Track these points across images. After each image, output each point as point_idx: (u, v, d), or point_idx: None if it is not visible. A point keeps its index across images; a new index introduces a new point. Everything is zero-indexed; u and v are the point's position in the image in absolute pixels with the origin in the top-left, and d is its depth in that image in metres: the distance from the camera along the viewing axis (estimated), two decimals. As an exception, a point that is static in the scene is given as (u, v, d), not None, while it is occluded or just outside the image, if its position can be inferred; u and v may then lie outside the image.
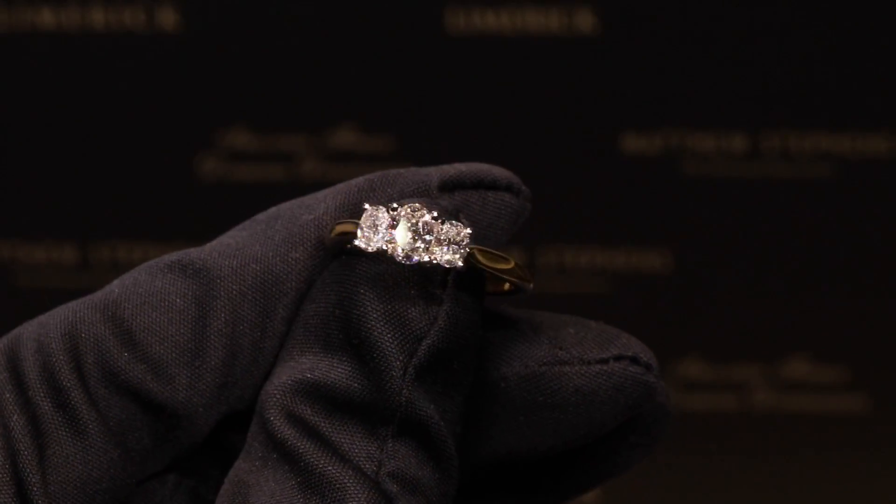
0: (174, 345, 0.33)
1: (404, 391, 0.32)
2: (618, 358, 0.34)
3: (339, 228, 0.34)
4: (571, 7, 0.93)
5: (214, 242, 0.34)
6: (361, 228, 0.33)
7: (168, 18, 0.94)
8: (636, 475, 0.98)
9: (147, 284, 0.34)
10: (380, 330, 0.32)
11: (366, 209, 0.33)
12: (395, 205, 0.33)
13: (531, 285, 0.34)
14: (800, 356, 0.96)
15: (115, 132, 0.95)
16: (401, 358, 0.32)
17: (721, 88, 0.93)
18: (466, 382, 0.33)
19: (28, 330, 0.34)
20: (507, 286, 0.35)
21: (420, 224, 0.33)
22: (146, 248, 0.95)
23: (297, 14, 0.94)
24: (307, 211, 0.34)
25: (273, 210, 0.35)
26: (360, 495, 0.31)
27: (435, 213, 0.33)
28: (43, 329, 0.33)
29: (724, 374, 0.96)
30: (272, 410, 0.32)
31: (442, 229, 0.33)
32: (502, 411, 0.34)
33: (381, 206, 0.33)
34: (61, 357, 0.33)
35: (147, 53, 0.95)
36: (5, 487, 0.32)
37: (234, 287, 0.33)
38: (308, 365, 0.33)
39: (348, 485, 0.31)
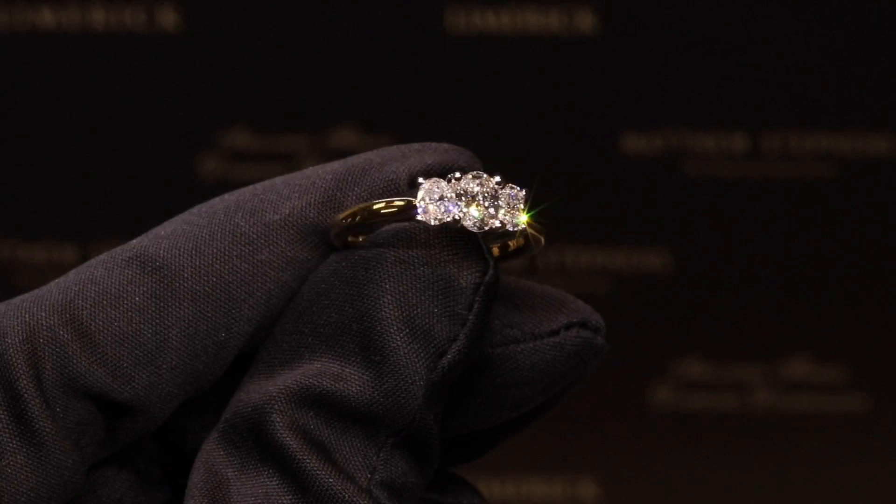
0: (134, 344, 0.32)
1: (419, 410, 0.32)
2: (568, 326, 0.34)
3: (378, 207, 0.33)
4: (571, 7, 0.93)
5: (168, 230, 0.34)
6: (424, 201, 0.32)
7: (168, 18, 0.94)
8: (636, 475, 0.98)
9: (104, 281, 0.33)
10: (405, 351, 0.32)
11: (421, 183, 0.33)
12: (457, 174, 0.33)
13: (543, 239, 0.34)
14: (800, 356, 0.96)
15: (115, 132, 0.95)
16: (424, 378, 0.32)
17: (721, 88, 0.93)
18: (457, 381, 0.33)
19: None
20: (496, 250, 0.34)
21: (489, 190, 0.33)
22: (146, 248, 0.95)
23: (298, 14, 0.94)
24: (272, 209, 0.34)
25: (231, 198, 0.34)
26: None
27: (498, 178, 0.33)
28: None
29: (724, 374, 0.96)
30: (273, 415, 0.32)
31: (504, 193, 0.33)
32: (459, 396, 0.34)
33: (438, 179, 0.33)
34: (20, 364, 0.32)
35: (147, 53, 0.95)
36: None
37: (197, 287, 0.33)
38: (316, 370, 0.32)
39: (345, 498, 0.31)
